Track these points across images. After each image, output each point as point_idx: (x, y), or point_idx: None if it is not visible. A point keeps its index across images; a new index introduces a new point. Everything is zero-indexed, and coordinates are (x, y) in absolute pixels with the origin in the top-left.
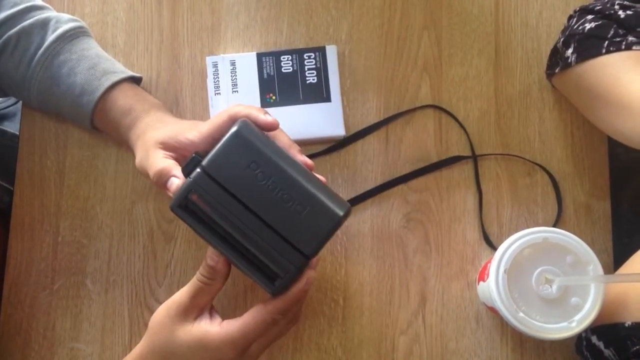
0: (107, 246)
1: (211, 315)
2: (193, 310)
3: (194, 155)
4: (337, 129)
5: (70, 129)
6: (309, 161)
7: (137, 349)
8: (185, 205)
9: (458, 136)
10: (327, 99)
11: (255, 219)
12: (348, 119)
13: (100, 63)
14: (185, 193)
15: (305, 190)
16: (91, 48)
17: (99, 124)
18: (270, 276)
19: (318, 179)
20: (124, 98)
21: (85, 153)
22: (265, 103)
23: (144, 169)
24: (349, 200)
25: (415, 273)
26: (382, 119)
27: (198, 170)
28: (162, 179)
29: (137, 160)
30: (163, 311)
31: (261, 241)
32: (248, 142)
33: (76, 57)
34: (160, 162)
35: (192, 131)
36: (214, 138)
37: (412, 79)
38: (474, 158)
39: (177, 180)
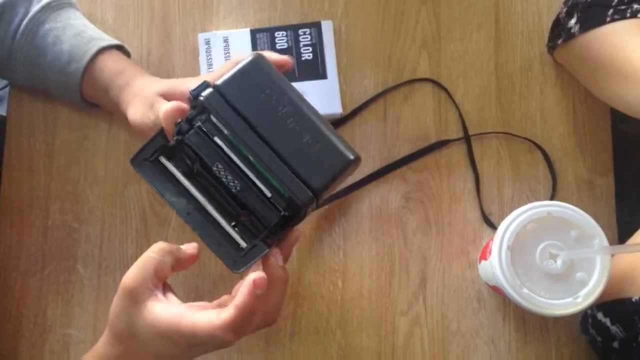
0: (98, 230)
1: (165, 295)
2: (140, 288)
3: (203, 80)
4: (334, 107)
5: (59, 109)
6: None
7: (101, 339)
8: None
9: (457, 113)
10: (323, 76)
11: (266, 147)
12: (345, 96)
13: (87, 30)
14: (195, 113)
15: (318, 127)
16: (77, 18)
17: (88, 93)
18: (240, 244)
19: (328, 122)
20: (114, 61)
21: (75, 134)
22: None
23: (143, 122)
24: (348, 187)
25: (415, 253)
26: (381, 96)
27: (210, 89)
28: (174, 113)
29: (136, 115)
30: (116, 296)
31: (269, 171)
32: (265, 70)
33: (62, 26)
34: (168, 104)
35: (195, 80)
36: None
37: (410, 55)
38: (467, 139)
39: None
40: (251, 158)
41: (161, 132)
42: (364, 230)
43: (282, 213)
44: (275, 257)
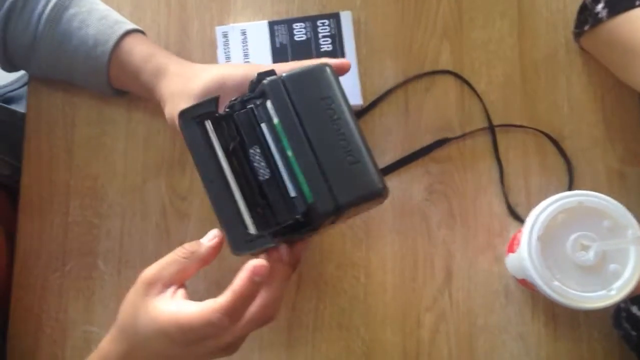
0: (118, 225)
1: (175, 292)
2: (156, 284)
3: (272, 69)
4: (355, 98)
5: (77, 105)
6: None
7: (106, 337)
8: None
9: (481, 104)
10: None
11: (309, 147)
12: (365, 88)
13: (111, 14)
14: (252, 96)
15: (361, 148)
16: (100, 3)
17: (116, 77)
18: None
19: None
20: (141, 44)
21: (93, 130)
22: None
23: None
24: None
25: (439, 247)
26: (401, 88)
27: (275, 77)
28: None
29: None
30: (132, 288)
31: (303, 171)
32: (330, 79)
33: (87, 10)
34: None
35: (244, 68)
36: None
37: (431, 45)
38: (492, 129)
39: None
40: (290, 153)
41: (216, 99)
42: (387, 223)
43: (298, 216)
44: (280, 251)
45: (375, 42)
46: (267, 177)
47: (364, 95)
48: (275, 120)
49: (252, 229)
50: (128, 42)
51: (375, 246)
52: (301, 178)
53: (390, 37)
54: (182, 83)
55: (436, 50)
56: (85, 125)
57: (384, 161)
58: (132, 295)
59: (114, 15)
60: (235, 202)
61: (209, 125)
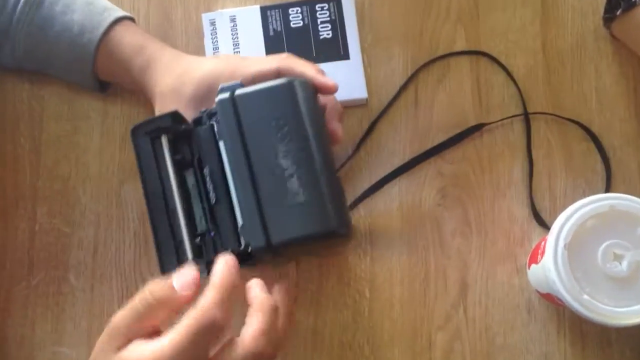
0: (92, 234)
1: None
2: (117, 336)
3: (239, 82)
4: (358, 91)
5: (46, 98)
6: (338, 132)
7: None
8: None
9: (501, 96)
10: (345, 56)
11: (247, 176)
12: (370, 79)
13: (98, 0)
14: (201, 114)
15: (316, 178)
16: None
17: (102, 69)
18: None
19: (339, 179)
20: (133, 34)
21: (64, 127)
22: None
23: None
24: (375, 184)
25: (453, 258)
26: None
27: (227, 94)
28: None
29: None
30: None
31: (238, 201)
32: (294, 99)
33: None
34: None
35: (234, 76)
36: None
37: (444, 32)
38: (526, 116)
39: None
40: (229, 180)
41: (174, 115)
42: (394, 231)
43: (241, 248)
44: (255, 284)
45: (381, 29)
46: (214, 201)
47: (369, 86)
48: (221, 143)
49: (189, 255)
50: (118, 30)
51: (381, 257)
52: (236, 208)
53: (398, 22)
54: (173, 81)
55: (449, 37)
56: (55, 121)
57: (391, 163)
58: (97, 346)
59: (101, 1)
60: (175, 221)
61: (163, 140)
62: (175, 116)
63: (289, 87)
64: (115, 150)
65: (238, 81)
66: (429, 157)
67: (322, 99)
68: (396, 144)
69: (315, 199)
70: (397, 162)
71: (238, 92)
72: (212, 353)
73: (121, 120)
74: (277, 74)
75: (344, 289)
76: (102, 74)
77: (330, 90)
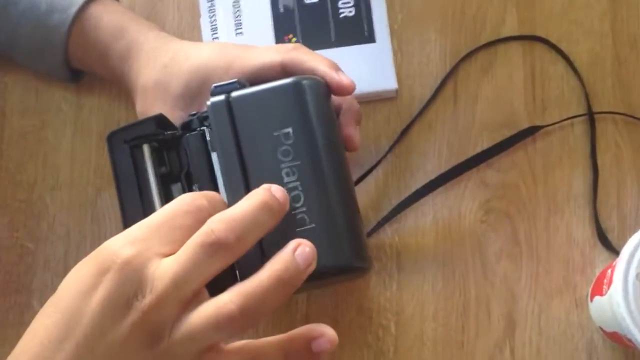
0: (61, 253)
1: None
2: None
3: (235, 80)
4: (386, 81)
5: (9, 87)
6: (355, 139)
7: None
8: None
9: (560, 91)
10: (370, 39)
11: (244, 193)
12: (400, 68)
13: None
14: (191, 117)
15: (326, 199)
16: None
17: (76, 55)
18: None
19: (355, 201)
20: (111, 14)
21: (30, 122)
22: None
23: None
24: (405, 201)
25: (498, 287)
26: (448, 68)
27: (222, 97)
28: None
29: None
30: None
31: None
32: (300, 106)
33: None
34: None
35: (231, 70)
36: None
37: (491, 11)
38: (591, 117)
39: None
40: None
41: (158, 118)
42: (427, 253)
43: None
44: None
45: (415, 6)
46: None
47: (399, 76)
48: (214, 155)
49: None
50: (94, 9)
51: (411, 284)
52: None
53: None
54: (158, 73)
55: (498, 17)
56: (19, 115)
57: (424, 169)
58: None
59: None
60: None
61: (146, 150)
62: (160, 121)
63: (295, 90)
64: (91, 151)
65: (234, 80)
66: (470, 168)
67: (337, 98)
68: (430, 147)
69: (326, 225)
70: (431, 168)
71: (234, 94)
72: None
73: (99, 114)
74: (283, 69)
75: (364, 323)
76: (74, 61)
77: (346, 91)
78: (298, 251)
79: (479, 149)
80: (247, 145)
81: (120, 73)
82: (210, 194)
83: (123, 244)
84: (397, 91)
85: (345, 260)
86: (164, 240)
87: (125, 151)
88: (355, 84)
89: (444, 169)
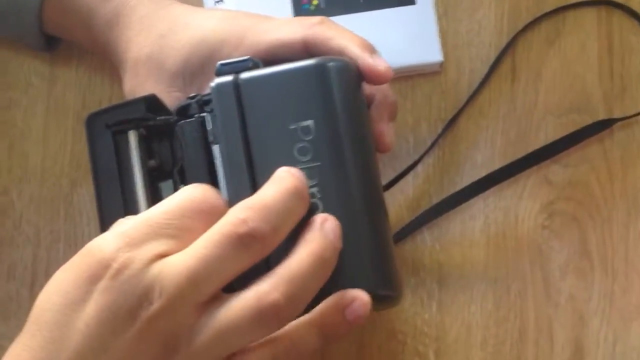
0: (29, 257)
1: None
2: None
3: (247, 57)
4: (429, 52)
5: None
6: (387, 139)
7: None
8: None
9: None
10: (409, 0)
11: (249, 192)
12: (446, 36)
13: None
14: (189, 100)
15: (350, 211)
16: None
17: (52, 19)
18: None
19: (385, 212)
20: None
21: None
22: (301, 12)
23: None
24: (448, 200)
25: (564, 307)
26: (505, 38)
27: (230, 77)
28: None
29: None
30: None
31: None
32: (323, 94)
33: None
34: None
35: (241, 46)
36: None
37: None
38: None
39: None
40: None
41: (150, 99)
42: (474, 266)
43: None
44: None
45: None
46: None
47: (444, 46)
48: (215, 149)
49: None
50: None
51: (455, 303)
52: None
53: None
54: (152, 45)
55: None
56: None
57: (473, 162)
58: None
59: None
60: None
61: (132, 137)
62: (152, 103)
63: (319, 74)
64: (66, 135)
65: (246, 56)
66: (531, 165)
67: (369, 86)
68: (481, 135)
69: (349, 244)
70: (482, 161)
71: (244, 75)
72: None
73: (76, 90)
74: (304, 47)
75: (396, 350)
76: (50, 26)
77: (382, 79)
78: (326, 226)
79: (542, 138)
80: (257, 139)
81: (106, 42)
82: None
83: (118, 245)
84: (441, 65)
85: (369, 287)
86: (167, 240)
87: (106, 138)
88: (392, 71)
89: (497, 162)
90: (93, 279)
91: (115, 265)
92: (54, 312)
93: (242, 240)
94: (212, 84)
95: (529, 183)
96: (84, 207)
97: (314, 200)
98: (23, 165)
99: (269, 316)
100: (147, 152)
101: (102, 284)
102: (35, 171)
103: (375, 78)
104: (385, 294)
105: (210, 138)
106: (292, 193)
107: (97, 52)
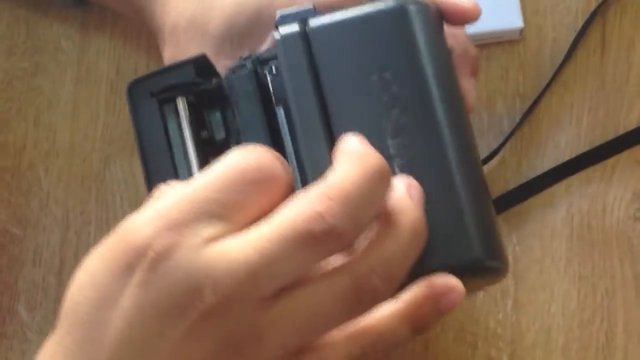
0: (57, 241)
1: None
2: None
3: (311, 6)
4: (507, 18)
5: None
6: (470, 95)
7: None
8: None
9: None
10: None
11: (328, 163)
12: (525, 2)
13: None
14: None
15: (448, 171)
16: None
17: None
18: None
19: (483, 175)
20: None
21: (18, 64)
22: None
23: None
24: (527, 186)
25: None
26: (594, 3)
27: (296, 26)
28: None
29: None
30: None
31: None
32: (406, 39)
33: None
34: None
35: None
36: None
37: None
38: None
39: None
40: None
41: (199, 61)
42: (555, 261)
43: None
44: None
45: None
46: None
47: (524, 14)
48: (279, 112)
49: None
50: None
51: (533, 303)
52: None
53: None
54: (194, 8)
55: None
56: (4, 56)
57: (556, 144)
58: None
59: None
60: None
61: (181, 105)
62: (202, 65)
63: (400, 17)
64: (98, 105)
65: (309, 5)
66: (624, 148)
67: (449, 39)
68: (565, 113)
69: (449, 208)
70: (566, 142)
71: (313, 22)
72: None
73: (110, 55)
74: None
75: (465, 354)
76: None
77: (469, 17)
78: (414, 193)
79: (634, 117)
80: (333, 96)
81: (143, 8)
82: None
83: (156, 227)
84: (521, 32)
85: (475, 257)
86: (216, 220)
87: (152, 107)
88: (479, 6)
89: (583, 143)
90: (128, 269)
91: (151, 254)
92: (89, 308)
93: (317, 239)
94: (277, 35)
95: (618, 168)
96: (117, 186)
97: (406, 162)
98: (50, 138)
99: (366, 301)
100: (197, 122)
101: (139, 277)
102: (63, 146)
103: (461, 16)
104: (493, 266)
105: (274, 99)
106: (378, 178)
107: (133, 18)
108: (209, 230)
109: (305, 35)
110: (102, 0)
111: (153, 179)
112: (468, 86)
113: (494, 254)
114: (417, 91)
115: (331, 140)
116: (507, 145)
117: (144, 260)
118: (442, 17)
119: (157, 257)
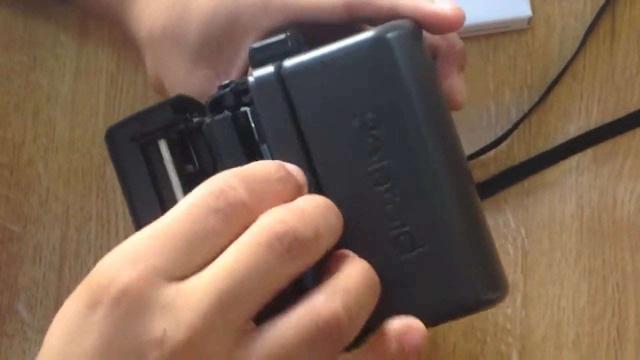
0: (57, 238)
1: None
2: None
3: (285, 35)
4: (516, 6)
5: None
6: (459, 96)
7: None
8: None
9: None
10: None
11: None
12: None
13: None
14: (222, 91)
15: (442, 206)
16: None
17: None
18: None
19: (478, 200)
20: None
21: (16, 57)
22: None
23: (184, 87)
24: (529, 161)
25: None
26: None
27: (271, 68)
28: None
29: (168, 78)
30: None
31: None
32: (390, 75)
33: None
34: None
35: (270, 8)
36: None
37: None
38: None
39: None
40: None
41: (176, 103)
42: (565, 255)
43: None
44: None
45: None
46: None
47: (532, 2)
48: (264, 148)
49: None
50: None
51: (542, 297)
52: None
53: None
54: (167, 16)
55: None
56: (2, 49)
57: (565, 135)
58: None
59: None
60: None
61: (163, 147)
62: (180, 104)
63: (380, 49)
64: (98, 99)
65: (282, 33)
66: (633, 126)
67: (431, 37)
68: (574, 103)
69: (442, 253)
70: (575, 132)
71: (288, 63)
72: None
73: (110, 48)
74: (346, 11)
75: (474, 351)
76: None
77: (452, 25)
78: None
79: None
80: (314, 137)
81: (118, 16)
82: (252, 170)
83: (119, 263)
84: (529, 21)
85: (478, 293)
86: (182, 254)
87: (134, 152)
88: (462, 11)
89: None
90: (92, 304)
91: (112, 290)
92: (57, 342)
93: (282, 245)
94: (250, 79)
95: (629, 158)
96: (117, 182)
97: (393, 200)
98: (49, 133)
99: (330, 333)
100: (182, 158)
101: (102, 312)
102: (63, 140)
103: (444, 26)
104: (493, 298)
105: (257, 136)
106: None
107: (109, 20)
108: (174, 263)
109: (280, 77)
110: (84, 3)
111: (141, 223)
112: (457, 83)
113: (494, 284)
114: (403, 133)
115: (315, 186)
116: (515, 136)
117: (107, 296)
118: (421, 31)
119: (117, 293)
